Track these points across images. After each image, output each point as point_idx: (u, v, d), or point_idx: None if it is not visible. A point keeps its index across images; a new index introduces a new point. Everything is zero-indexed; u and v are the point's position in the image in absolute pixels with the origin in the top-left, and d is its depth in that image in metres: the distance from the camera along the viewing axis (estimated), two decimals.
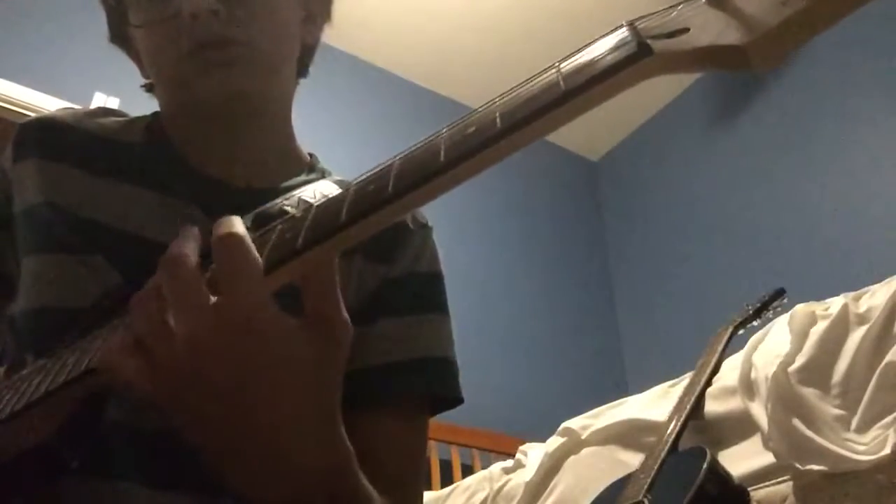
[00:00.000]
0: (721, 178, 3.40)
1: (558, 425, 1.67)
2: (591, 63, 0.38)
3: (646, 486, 1.16)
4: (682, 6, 0.38)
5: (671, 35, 0.36)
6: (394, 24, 3.53)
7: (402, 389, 0.69)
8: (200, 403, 0.42)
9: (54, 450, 0.55)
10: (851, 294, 1.27)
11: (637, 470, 1.24)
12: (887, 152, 2.74)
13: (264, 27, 0.71)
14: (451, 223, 2.73)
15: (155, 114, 0.79)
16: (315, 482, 0.45)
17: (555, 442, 1.63)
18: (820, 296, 1.36)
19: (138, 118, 0.79)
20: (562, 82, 0.38)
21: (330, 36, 0.83)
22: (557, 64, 0.40)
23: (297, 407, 0.43)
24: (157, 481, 0.57)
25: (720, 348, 1.44)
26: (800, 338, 1.24)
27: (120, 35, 0.77)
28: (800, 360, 1.20)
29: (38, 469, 0.55)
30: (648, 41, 0.36)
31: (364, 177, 0.45)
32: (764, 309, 1.57)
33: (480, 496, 1.78)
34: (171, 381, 0.42)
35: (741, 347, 1.38)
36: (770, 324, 1.41)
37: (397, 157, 0.44)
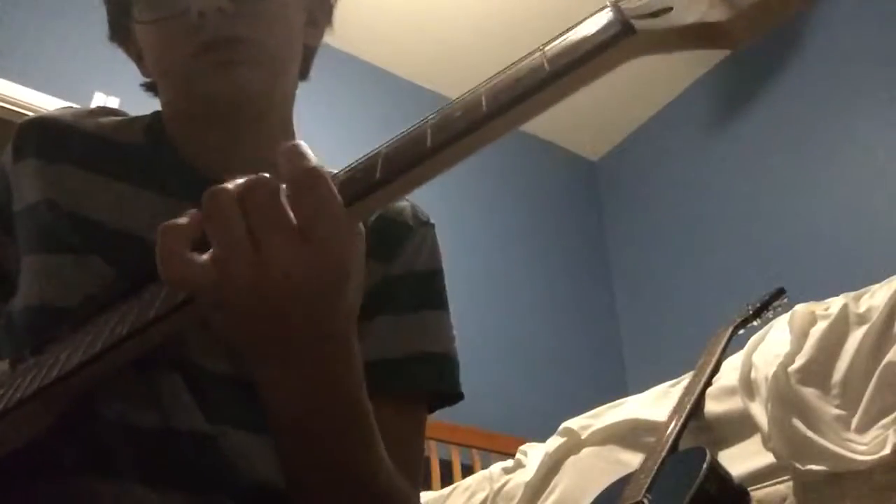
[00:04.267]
0: (721, 178, 3.40)
1: (558, 425, 1.67)
2: (575, 44, 0.38)
3: (646, 486, 1.16)
4: None
5: (655, 14, 0.37)
6: (394, 24, 3.53)
7: (401, 385, 0.69)
8: (269, 333, 0.45)
9: (46, 447, 0.55)
10: (851, 294, 1.27)
11: (637, 470, 1.24)
12: (887, 152, 2.74)
13: (272, 28, 0.70)
14: (450, 223, 2.72)
15: (155, 113, 0.78)
16: (347, 400, 0.52)
17: (555, 442, 1.63)
18: (820, 296, 1.35)
19: (138, 118, 0.78)
20: (546, 64, 0.38)
21: (330, 35, 0.83)
22: (542, 46, 0.40)
23: (346, 338, 0.48)
24: (156, 481, 0.57)
25: (720, 348, 1.44)
26: (800, 338, 1.24)
27: (120, 32, 0.76)
28: (800, 360, 1.20)
29: (29, 466, 0.55)
30: (632, 21, 0.37)
31: (352, 165, 0.45)
32: (764, 309, 1.57)
33: (480, 496, 1.78)
34: (245, 307, 0.43)
35: (741, 347, 1.38)
36: (770, 324, 1.41)
37: (384, 145, 0.44)
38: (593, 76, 0.38)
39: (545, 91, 0.38)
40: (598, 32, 0.37)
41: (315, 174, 0.41)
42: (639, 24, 0.36)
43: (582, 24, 0.39)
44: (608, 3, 0.39)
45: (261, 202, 0.41)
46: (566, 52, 0.38)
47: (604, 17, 0.38)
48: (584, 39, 0.38)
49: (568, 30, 0.39)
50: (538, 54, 0.39)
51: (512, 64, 0.41)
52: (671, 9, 0.36)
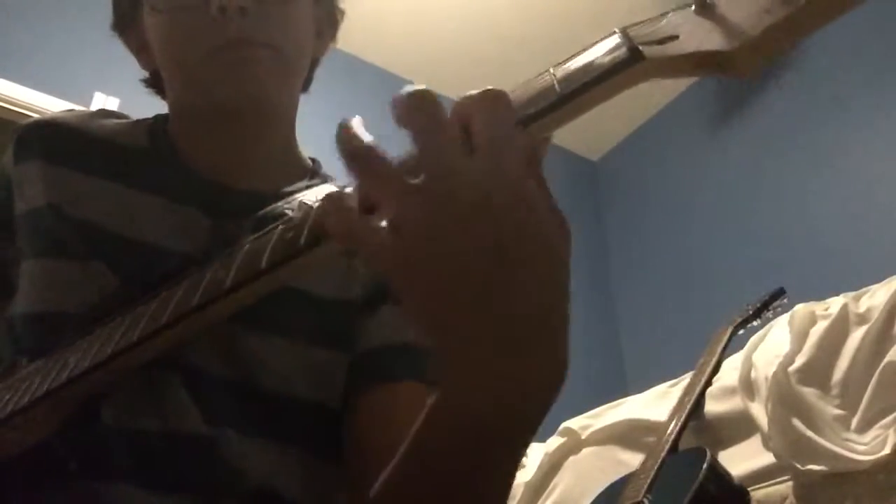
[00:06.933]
0: (721, 177, 3.40)
1: (558, 425, 1.67)
2: (584, 68, 0.39)
3: (646, 486, 1.16)
4: (671, 14, 0.40)
5: (661, 42, 0.38)
6: (394, 24, 3.53)
7: (408, 371, 0.66)
8: (454, 279, 0.37)
9: (52, 450, 0.55)
10: (851, 294, 1.27)
11: (637, 470, 1.24)
12: (887, 152, 2.74)
13: (289, 33, 0.70)
14: None
15: (157, 117, 0.78)
16: (545, 401, 0.41)
17: (555, 442, 1.63)
18: (820, 296, 1.36)
19: (140, 121, 0.78)
20: (557, 86, 0.39)
21: None
22: (552, 69, 0.41)
23: (550, 299, 0.39)
24: (156, 484, 0.57)
25: (720, 348, 1.44)
26: (800, 338, 1.24)
27: (126, 22, 0.75)
28: (800, 360, 1.20)
29: (36, 469, 0.55)
30: (640, 47, 0.38)
31: None
32: (764, 309, 1.57)
33: None
34: (425, 252, 0.37)
35: (741, 347, 1.38)
36: (770, 324, 1.42)
37: None
38: (602, 98, 0.39)
39: (555, 113, 0.39)
40: (607, 57, 0.38)
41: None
42: (647, 51, 0.37)
43: (591, 49, 0.40)
44: (616, 29, 0.40)
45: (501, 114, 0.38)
46: (576, 74, 0.39)
47: (612, 42, 0.39)
48: (594, 63, 0.39)
49: (577, 53, 0.40)
50: (548, 76, 0.40)
51: (521, 85, 0.41)
52: (677, 36, 0.38)
